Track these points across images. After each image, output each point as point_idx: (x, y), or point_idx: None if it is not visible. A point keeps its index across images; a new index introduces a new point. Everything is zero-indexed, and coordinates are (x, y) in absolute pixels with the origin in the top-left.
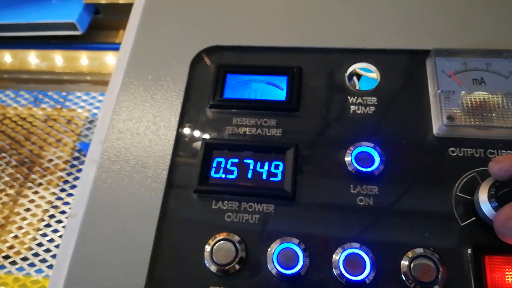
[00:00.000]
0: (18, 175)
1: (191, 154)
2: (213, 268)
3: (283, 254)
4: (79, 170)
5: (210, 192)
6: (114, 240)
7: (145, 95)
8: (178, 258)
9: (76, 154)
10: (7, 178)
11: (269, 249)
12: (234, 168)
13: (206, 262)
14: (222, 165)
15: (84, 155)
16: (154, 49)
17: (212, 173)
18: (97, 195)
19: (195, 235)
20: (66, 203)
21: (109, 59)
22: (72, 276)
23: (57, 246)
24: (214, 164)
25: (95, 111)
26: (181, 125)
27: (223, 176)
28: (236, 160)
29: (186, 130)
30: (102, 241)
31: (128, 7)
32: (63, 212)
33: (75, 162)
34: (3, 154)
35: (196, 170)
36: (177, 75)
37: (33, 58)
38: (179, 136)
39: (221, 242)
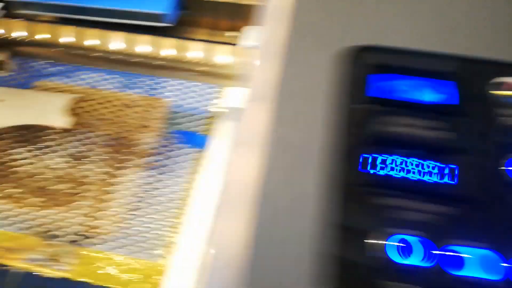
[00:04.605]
0: (108, 156)
1: None
2: None
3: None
4: (167, 158)
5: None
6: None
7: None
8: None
9: (165, 142)
10: (95, 158)
11: None
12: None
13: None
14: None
15: (175, 143)
16: (304, 45)
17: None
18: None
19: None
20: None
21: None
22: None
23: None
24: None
25: (181, 102)
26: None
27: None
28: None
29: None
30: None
31: (214, 4)
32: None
33: (163, 150)
34: (90, 134)
35: None
36: (329, 72)
37: (121, 43)
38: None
39: None
